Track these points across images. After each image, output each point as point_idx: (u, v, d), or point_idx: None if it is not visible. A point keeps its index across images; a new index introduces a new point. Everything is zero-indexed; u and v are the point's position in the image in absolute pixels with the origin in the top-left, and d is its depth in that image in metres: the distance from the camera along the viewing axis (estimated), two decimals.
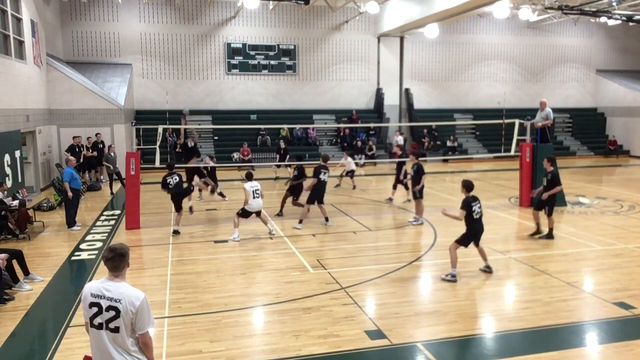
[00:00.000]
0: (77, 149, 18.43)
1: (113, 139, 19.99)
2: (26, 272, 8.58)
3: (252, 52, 26.89)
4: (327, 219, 12.53)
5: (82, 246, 10.88)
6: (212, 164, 16.03)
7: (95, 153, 19.01)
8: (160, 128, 13.91)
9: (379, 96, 28.65)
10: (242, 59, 26.80)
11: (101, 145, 19.58)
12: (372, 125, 26.14)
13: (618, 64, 32.30)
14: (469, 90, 30.34)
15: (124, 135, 20.64)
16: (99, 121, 20.29)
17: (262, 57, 27.05)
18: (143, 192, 13.58)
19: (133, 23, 25.23)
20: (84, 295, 3.82)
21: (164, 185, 11.98)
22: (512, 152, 14.94)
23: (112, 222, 13.15)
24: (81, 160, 18.32)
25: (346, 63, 28.32)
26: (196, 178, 15.31)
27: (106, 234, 11.93)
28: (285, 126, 25.08)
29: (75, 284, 8.81)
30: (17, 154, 15.46)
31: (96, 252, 10.42)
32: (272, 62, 27.20)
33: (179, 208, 11.86)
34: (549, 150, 14.61)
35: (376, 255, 10.18)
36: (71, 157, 13.26)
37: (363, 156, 24.92)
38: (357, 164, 24.31)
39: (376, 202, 15.77)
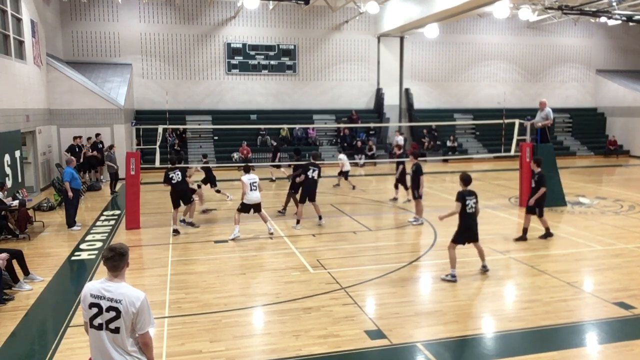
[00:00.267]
0: (77, 149, 18.43)
1: (113, 139, 19.99)
2: (26, 272, 8.58)
3: (252, 52, 26.89)
4: (320, 217, 12.52)
5: (82, 246, 10.88)
6: (200, 166, 15.66)
7: (95, 152, 19.03)
8: (160, 128, 13.92)
9: (379, 96, 28.65)
10: (242, 59, 26.80)
11: (101, 146, 19.60)
12: (372, 125, 26.14)
13: (618, 64, 32.30)
14: (469, 90, 30.34)
15: (124, 135, 20.64)
16: (99, 121, 20.29)
17: (262, 57, 27.05)
18: (143, 192, 13.59)
19: (133, 23, 25.23)
20: (84, 296, 3.81)
21: (167, 180, 11.96)
22: (512, 152, 14.93)
23: (112, 222, 13.15)
24: (81, 160, 18.32)
25: (346, 63, 28.32)
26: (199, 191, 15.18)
27: (106, 234, 11.93)
28: (285, 126, 25.09)
29: (75, 284, 8.80)
30: (17, 154, 15.45)
31: (96, 252, 10.42)
32: (272, 62, 27.20)
33: (176, 205, 11.89)
34: (549, 150, 14.61)
35: (376, 255, 10.18)
36: (72, 157, 13.27)
37: (363, 156, 24.93)
38: (357, 164, 24.44)
39: (376, 202, 15.77)
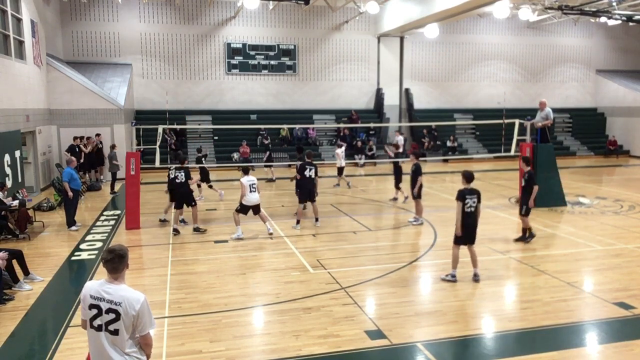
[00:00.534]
0: (77, 149, 18.44)
1: (113, 139, 19.98)
2: (26, 272, 8.58)
3: (252, 52, 26.89)
4: (317, 219, 12.51)
5: (82, 246, 10.88)
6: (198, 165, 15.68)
7: (95, 150, 19.10)
8: (160, 128, 13.92)
9: (379, 96, 28.64)
10: (242, 59, 26.80)
11: (100, 146, 19.61)
12: (372, 125, 26.14)
13: (618, 64, 32.30)
14: (469, 90, 30.34)
15: (124, 135, 20.64)
16: (99, 121, 20.30)
17: (262, 57, 27.04)
18: (143, 192, 13.59)
19: (133, 23, 25.23)
20: (83, 296, 3.81)
21: (171, 181, 11.96)
22: (512, 152, 14.94)
23: (112, 222, 13.15)
24: (82, 160, 18.33)
25: (346, 63, 28.32)
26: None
27: (106, 234, 11.93)
28: (285, 126, 25.09)
29: (75, 284, 8.80)
30: (17, 154, 15.46)
31: (96, 252, 10.42)
32: (272, 62, 27.20)
33: (179, 206, 11.88)
34: (549, 150, 14.62)
35: (376, 255, 10.18)
36: (72, 158, 13.26)
37: (363, 156, 24.93)
38: (357, 164, 24.46)
39: (376, 202, 15.76)
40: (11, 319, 7.08)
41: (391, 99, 28.95)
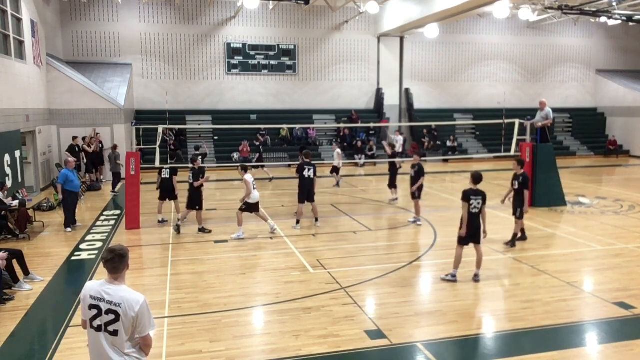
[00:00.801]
0: (77, 149, 18.44)
1: (113, 139, 20.00)
2: (26, 272, 8.58)
3: (252, 52, 26.89)
4: (317, 220, 12.51)
5: (82, 246, 10.88)
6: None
7: (98, 149, 19.15)
8: (160, 128, 13.93)
9: (379, 96, 28.64)
10: (242, 59, 26.80)
11: (101, 145, 19.63)
12: (372, 125, 26.14)
13: (618, 64, 32.30)
14: (469, 90, 30.34)
15: (124, 135, 20.64)
16: (99, 121, 20.29)
17: (262, 57, 27.04)
18: (143, 192, 13.58)
19: (133, 23, 25.23)
20: (83, 296, 3.81)
21: (163, 180, 12.57)
22: (512, 152, 14.93)
23: (112, 222, 13.15)
24: (84, 160, 18.35)
25: (346, 63, 28.32)
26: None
27: (106, 234, 11.93)
28: (285, 126, 25.08)
29: (75, 284, 8.79)
30: (17, 154, 15.45)
31: (96, 252, 10.42)
32: (272, 62, 27.19)
33: (171, 198, 12.75)
34: (549, 150, 14.62)
35: (376, 255, 10.18)
36: (70, 159, 13.11)
37: (363, 156, 24.93)
38: (357, 164, 24.46)
39: (376, 202, 15.76)
40: (11, 319, 7.08)
41: (391, 99, 28.95)
